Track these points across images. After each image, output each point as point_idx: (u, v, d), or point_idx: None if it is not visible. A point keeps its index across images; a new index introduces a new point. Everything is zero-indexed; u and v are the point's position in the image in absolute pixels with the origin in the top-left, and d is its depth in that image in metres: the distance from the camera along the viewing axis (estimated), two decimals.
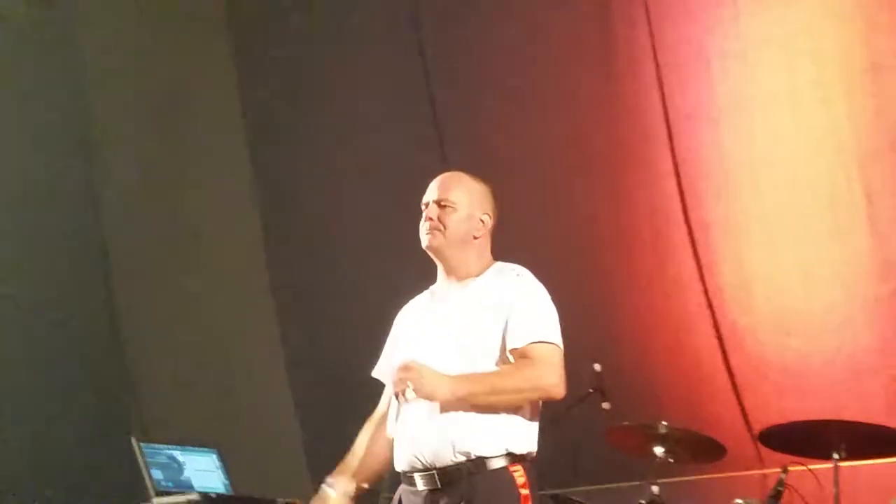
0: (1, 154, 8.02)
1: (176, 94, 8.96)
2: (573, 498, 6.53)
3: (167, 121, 8.95)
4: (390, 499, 4.73)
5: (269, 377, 9.00)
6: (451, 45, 8.54)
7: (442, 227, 4.70)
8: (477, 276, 4.74)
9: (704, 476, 7.29)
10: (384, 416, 4.85)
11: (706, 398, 7.58)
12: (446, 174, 4.82)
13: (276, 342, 9.08)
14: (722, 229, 7.64)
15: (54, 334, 8.05)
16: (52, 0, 8.34)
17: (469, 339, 4.58)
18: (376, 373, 5.00)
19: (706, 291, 7.67)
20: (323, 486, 4.88)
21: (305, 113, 8.97)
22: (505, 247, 8.17)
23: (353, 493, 4.84)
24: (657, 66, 7.78)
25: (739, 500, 6.20)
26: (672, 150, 7.76)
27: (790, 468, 6.24)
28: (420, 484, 4.54)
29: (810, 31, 7.33)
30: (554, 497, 6.69)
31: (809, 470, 6.25)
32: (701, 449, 6.42)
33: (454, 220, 4.72)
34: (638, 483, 6.23)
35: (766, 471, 7.22)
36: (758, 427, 6.84)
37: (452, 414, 4.48)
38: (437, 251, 4.74)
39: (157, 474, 6.32)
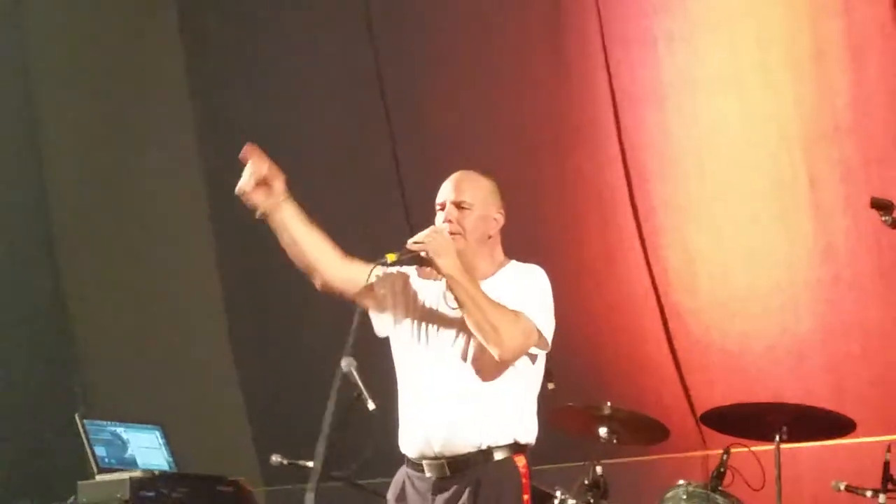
0: None
1: (121, 67, 8.91)
2: None
3: (113, 96, 8.90)
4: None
5: (215, 355, 8.97)
6: (400, 24, 8.53)
7: (462, 230, 4.70)
8: (492, 275, 4.75)
9: (648, 457, 7.34)
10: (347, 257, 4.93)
11: (650, 380, 7.63)
12: (460, 173, 4.84)
13: (222, 320, 9.05)
14: (667, 212, 7.68)
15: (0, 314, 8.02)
16: None
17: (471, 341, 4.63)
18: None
19: (651, 273, 7.71)
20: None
21: (253, 90, 8.94)
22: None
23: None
24: (604, 46, 7.81)
25: (682, 481, 6.25)
26: (618, 132, 7.80)
27: (732, 450, 6.29)
28: (428, 471, 4.66)
29: (756, 14, 7.36)
30: None
31: (751, 451, 6.31)
32: (645, 430, 6.46)
33: (472, 221, 4.73)
34: (581, 463, 6.25)
35: (708, 452, 7.28)
36: (701, 409, 6.89)
37: (464, 404, 4.59)
38: (458, 254, 4.68)
39: (101, 451, 6.32)
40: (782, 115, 7.32)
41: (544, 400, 4.90)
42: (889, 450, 6.12)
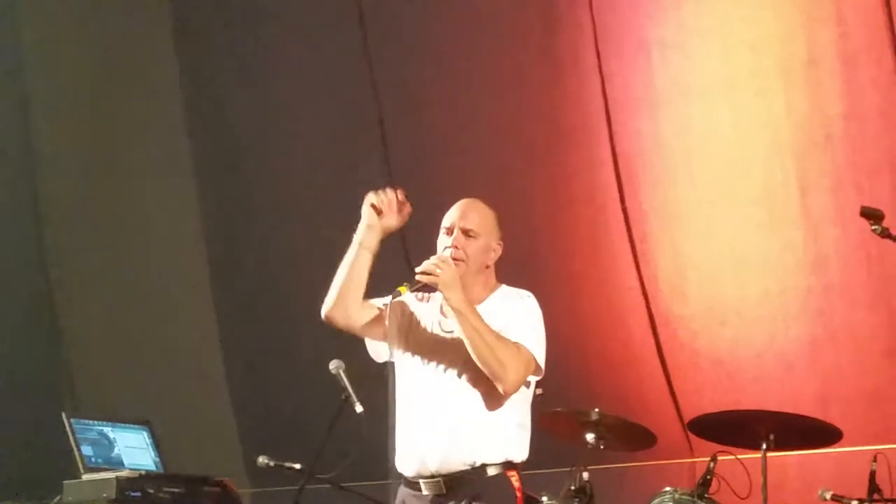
0: None
1: (114, 65, 8.91)
2: None
3: (104, 93, 8.89)
4: None
5: (204, 356, 8.96)
6: (393, 26, 8.52)
7: (465, 258, 4.80)
8: (484, 299, 4.85)
9: (635, 463, 7.36)
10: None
11: (639, 386, 7.63)
12: (468, 201, 4.95)
13: (211, 321, 9.04)
14: (658, 218, 7.69)
15: None
16: None
17: (471, 363, 4.71)
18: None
19: (641, 279, 7.72)
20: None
21: (246, 88, 8.94)
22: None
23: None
24: (598, 52, 7.81)
25: (668, 488, 6.26)
26: (610, 137, 7.80)
27: (719, 457, 6.30)
28: (426, 489, 4.75)
29: (750, 22, 7.37)
30: None
31: (738, 459, 6.31)
32: (632, 436, 6.47)
33: (475, 250, 4.84)
34: (568, 469, 6.26)
35: (695, 459, 7.29)
36: (689, 416, 6.90)
37: (459, 425, 4.71)
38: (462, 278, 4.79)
39: (88, 451, 6.31)
40: (774, 123, 7.33)
41: (532, 405, 4.93)
42: (875, 460, 6.15)
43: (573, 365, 7.56)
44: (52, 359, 8.70)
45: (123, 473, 6.06)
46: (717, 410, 6.43)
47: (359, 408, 6.09)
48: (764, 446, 6.10)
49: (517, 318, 4.77)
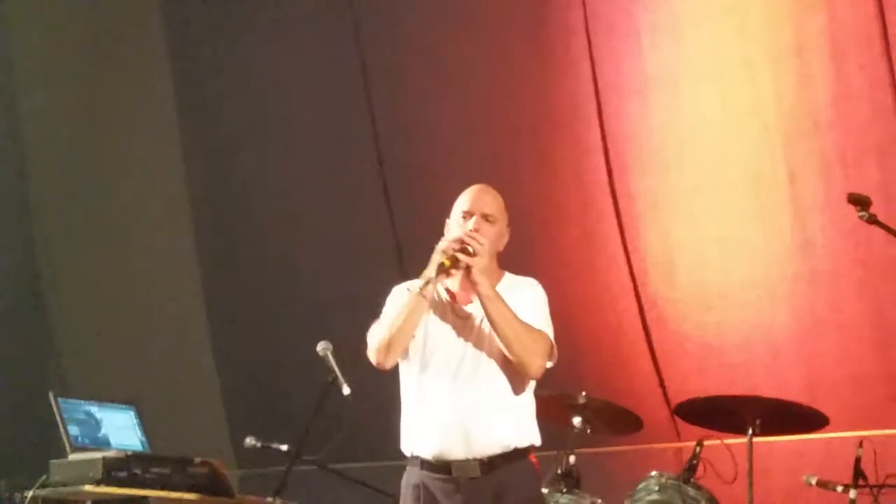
0: None
1: (104, 59, 8.88)
2: None
3: (94, 84, 8.88)
4: None
5: (191, 336, 8.95)
6: (383, 12, 8.50)
7: (485, 242, 4.80)
8: (493, 283, 4.83)
9: (621, 447, 7.37)
10: None
11: (626, 370, 7.64)
12: (483, 186, 5.00)
13: (199, 302, 9.03)
14: (647, 203, 7.69)
15: None
16: None
17: (498, 348, 4.78)
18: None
19: (630, 264, 7.72)
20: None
21: (236, 80, 8.92)
22: (433, 212, 8.24)
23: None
24: (588, 36, 7.80)
25: (655, 473, 6.25)
26: (600, 122, 7.80)
27: (706, 442, 6.30)
28: (456, 472, 4.76)
29: (739, 9, 7.37)
30: None
31: (724, 444, 6.31)
32: (619, 420, 6.47)
33: (493, 235, 4.88)
34: (555, 452, 6.25)
35: (682, 444, 7.30)
36: (676, 400, 6.90)
37: (493, 408, 4.76)
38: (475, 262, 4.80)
39: (74, 430, 6.28)
40: (763, 110, 7.33)
41: None
42: (861, 445, 6.14)
43: (561, 348, 7.42)
44: (40, 339, 8.67)
45: (110, 453, 6.02)
46: (703, 395, 6.42)
47: (346, 389, 6.11)
48: (750, 431, 6.11)
49: (533, 306, 4.85)
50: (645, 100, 7.66)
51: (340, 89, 8.60)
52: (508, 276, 4.97)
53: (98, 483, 5.87)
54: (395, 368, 4.91)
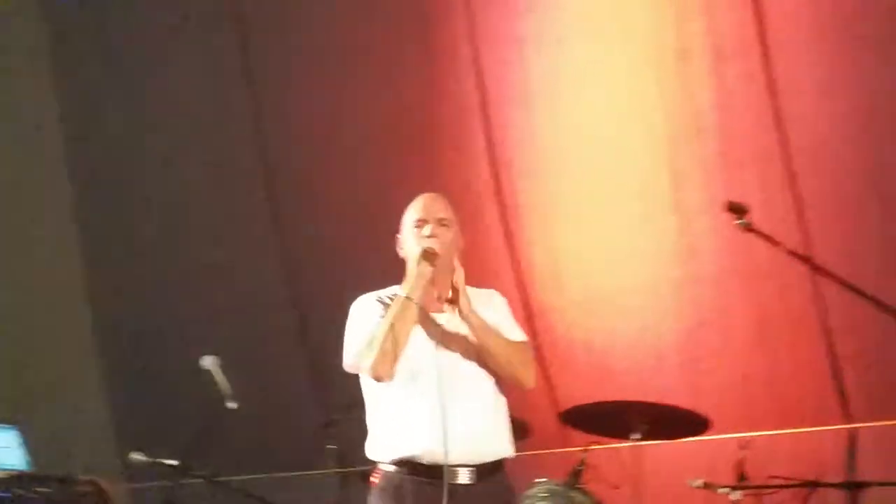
0: None
1: None
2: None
3: None
4: None
5: (76, 353, 8.82)
6: (271, 20, 8.47)
7: (444, 247, 4.76)
8: (457, 292, 4.79)
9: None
10: None
11: None
12: (431, 194, 4.94)
13: (85, 317, 8.91)
14: (533, 210, 7.73)
15: None
16: None
17: (479, 354, 4.77)
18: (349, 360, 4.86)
19: (517, 271, 7.75)
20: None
21: (119, 86, 8.84)
22: (320, 219, 8.23)
23: None
24: (474, 45, 7.83)
25: (541, 479, 6.28)
26: (486, 130, 7.83)
27: (595, 447, 6.34)
28: (454, 477, 4.65)
29: (623, 15, 7.43)
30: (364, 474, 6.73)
31: (610, 449, 6.36)
32: None
33: (451, 239, 4.83)
34: None
35: (571, 449, 7.32)
36: (565, 406, 6.95)
37: (490, 414, 4.75)
38: (439, 268, 4.74)
39: None
40: (647, 115, 7.39)
41: None
42: (743, 447, 6.24)
43: None
44: None
45: None
46: (590, 401, 6.46)
47: (231, 404, 6.08)
48: (636, 436, 6.17)
49: (507, 317, 4.90)
50: (530, 106, 7.71)
51: (226, 96, 8.56)
52: (473, 290, 4.86)
53: None
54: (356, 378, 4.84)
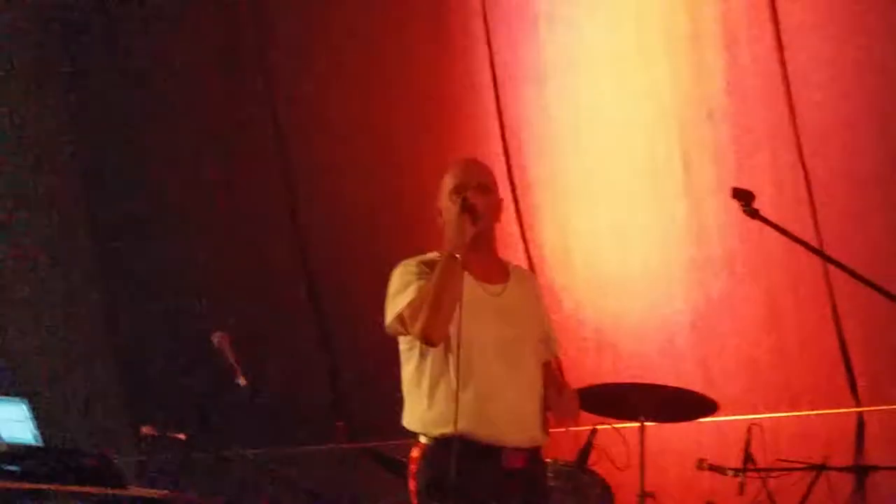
0: None
1: None
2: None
3: None
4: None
5: (87, 328, 8.82)
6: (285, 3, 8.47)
7: (487, 214, 4.60)
8: (507, 267, 4.79)
9: None
10: None
11: None
12: (471, 158, 4.88)
13: (97, 292, 8.92)
14: (544, 189, 7.72)
15: None
16: None
17: (537, 344, 4.72)
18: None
19: (527, 250, 7.75)
20: None
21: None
22: (336, 197, 8.22)
23: None
24: (486, 24, 7.82)
25: (549, 460, 6.26)
26: (498, 108, 7.83)
27: (600, 427, 6.35)
28: (507, 459, 4.55)
29: None
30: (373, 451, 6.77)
31: (616, 430, 6.36)
32: None
33: (493, 205, 4.69)
34: None
35: (578, 428, 7.32)
36: (572, 387, 6.93)
37: (537, 396, 4.65)
38: (480, 235, 4.59)
39: None
40: (659, 97, 7.39)
41: None
42: (750, 430, 6.24)
43: None
44: None
45: (0, 448, 5.95)
46: (598, 382, 6.45)
47: (241, 380, 6.11)
48: (642, 418, 6.18)
49: (547, 312, 4.87)
50: (542, 86, 7.70)
51: (238, 73, 8.54)
52: (513, 267, 4.84)
53: None
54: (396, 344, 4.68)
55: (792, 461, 6.28)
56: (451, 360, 4.53)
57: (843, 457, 6.65)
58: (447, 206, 4.63)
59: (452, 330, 4.48)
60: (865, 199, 6.86)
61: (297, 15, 8.41)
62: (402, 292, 4.57)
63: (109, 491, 5.98)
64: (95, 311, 8.86)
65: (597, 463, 6.27)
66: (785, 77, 6.99)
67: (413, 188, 7.84)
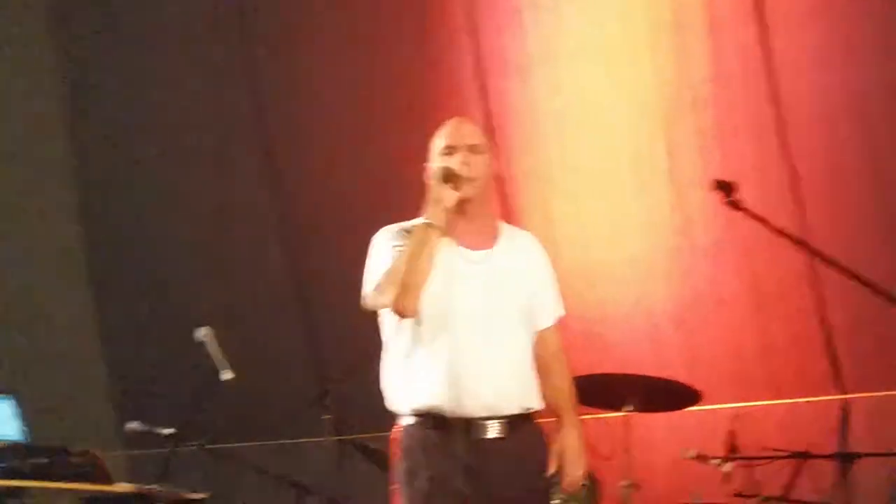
0: None
1: None
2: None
3: None
4: None
5: (75, 325, 8.82)
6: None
7: (478, 175, 4.48)
8: (497, 231, 4.63)
9: None
10: None
11: None
12: (459, 119, 4.67)
13: (84, 289, 8.92)
14: (529, 180, 7.73)
15: None
16: None
17: (524, 310, 4.56)
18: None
19: None
20: None
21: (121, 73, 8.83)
22: (321, 190, 8.23)
23: None
24: (470, 14, 7.82)
25: None
26: (483, 99, 7.83)
27: (585, 417, 6.35)
28: (477, 432, 4.40)
29: None
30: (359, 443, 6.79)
31: (603, 420, 6.39)
32: None
33: (484, 165, 4.54)
34: None
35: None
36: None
37: (515, 364, 4.48)
38: (469, 201, 4.48)
39: None
40: (642, 87, 7.41)
41: None
42: (734, 419, 6.28)
43: None
44: None
45: None
46: (584, 372, 6.45)
47: (225, 375, 6.13)
48: (628, 408, 6.20)
49: (549, 276, 4.76)
50: (527, 76, 7.70)
51: (222, 57, 8.54)
52: (505, 226, 4.69)
53: None
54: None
55: (776, 449, 6.31)
56: (425, 333, 4.43)
57: (828, 445, 6.70)
58: (432, 169, 4.51)
59: (428, 301, 4.39)
60: (849, 190, 6.89)
61: (283, 16, 8.41)
62: (376, 263, 4.49)
63: (96, 487, 6.00)
64: (83, 307, 8.84)
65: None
66: (769, 65, 7.00)
67: (399, 183, 7.83)
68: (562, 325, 4.77)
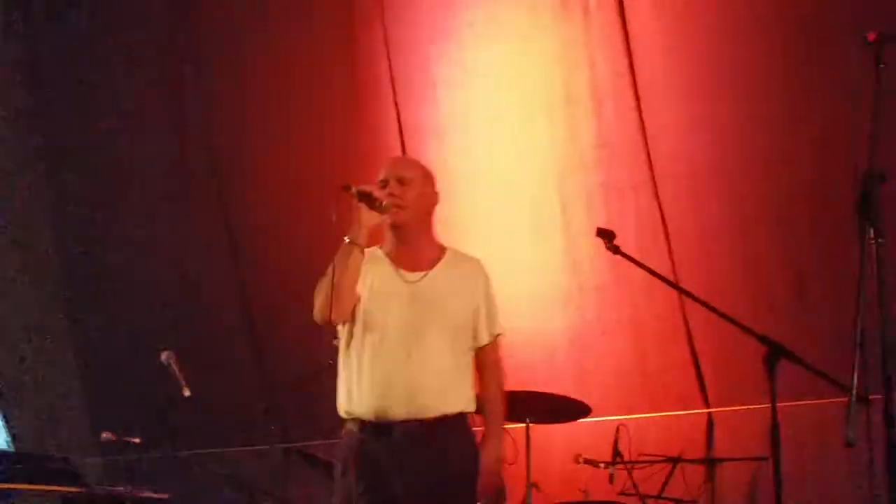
0: None
1: None
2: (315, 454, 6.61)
3: None
4: None
5: (57, 350, 8.66)
6: (204, 48, 8.40)
7: (405, 204, 4.47)
8: (439, 259, 4.59)
9: None
10: None
11: None
12: (398, 156, 4.72)
13: (59, 300, 8.75)
14: (445, 227, 7.67)
15: None
16: None
17: (455, 327, 4.49)
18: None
19: None
20: None
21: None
22: (270, 230, 8.16)
23: None
24: (393, 86, 7.86)
25: None
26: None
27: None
28: (399, 433, 4.33)
29: (518, 66, 7.51)
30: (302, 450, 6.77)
31: (507, 430, 6.39)
32: None
33: (414, 196, 4.51)
34: None
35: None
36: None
37: (435, 372, 4.38)
38: (401, 227, 4.51)
39: None
40: (539, 151, 7.46)
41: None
42: (618, 429, 6.35)
43: None
44: None
45: None
46: None
47: (186, 392, 6.11)
48: (528, 420, 6.25)
49: (492, 303, 4.65)
50: (442, 140, 7.73)
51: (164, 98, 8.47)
52: (451, 251, 4.63)
53: None
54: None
55: (653, 455, 6.40)
56: (360, 345, 4.38)
57: (697, 451, 6.79)
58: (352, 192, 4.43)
59: (365, 317, 4.36)
60: (713, 238, 6.99)
61: (217, 71, 8.32)
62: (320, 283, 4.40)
63: (72, 490, 5.94)
64: (61, 326, 8.69)
65: None
66: (644, 132, 7.11)
67: (325, 237, 7.80)
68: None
